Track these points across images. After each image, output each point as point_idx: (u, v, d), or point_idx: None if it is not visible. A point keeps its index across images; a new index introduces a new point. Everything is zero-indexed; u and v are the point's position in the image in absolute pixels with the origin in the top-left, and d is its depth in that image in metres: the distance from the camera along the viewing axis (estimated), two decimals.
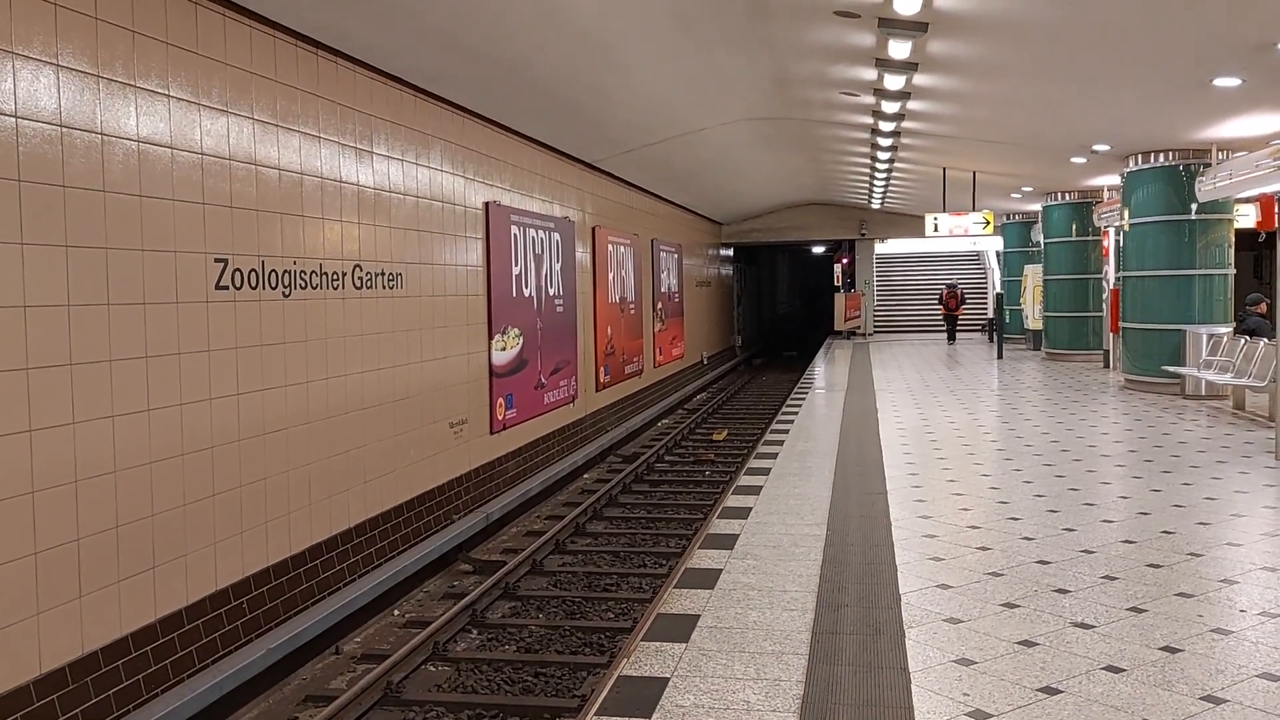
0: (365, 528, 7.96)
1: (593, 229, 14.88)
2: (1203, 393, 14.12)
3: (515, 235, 11.30)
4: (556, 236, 12.83)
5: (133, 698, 5.40)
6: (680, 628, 5.08)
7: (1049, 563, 6.12)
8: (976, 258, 34.22)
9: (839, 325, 29.04)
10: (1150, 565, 6.03)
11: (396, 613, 8.08)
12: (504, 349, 10.92)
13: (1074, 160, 15.91)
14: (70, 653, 5.06)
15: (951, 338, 28.33)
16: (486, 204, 10.53)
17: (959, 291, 28.81)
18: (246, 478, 6.51)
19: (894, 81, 10.29)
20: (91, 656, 5.18)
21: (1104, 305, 19.72)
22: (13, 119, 4.78)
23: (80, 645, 5.13)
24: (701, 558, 6.36)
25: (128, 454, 5.47)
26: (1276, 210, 9.82)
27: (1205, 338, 14.16)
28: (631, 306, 17.29)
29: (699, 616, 5.24)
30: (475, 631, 7.63)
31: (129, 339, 5.49)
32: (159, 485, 5.71)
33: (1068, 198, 21.02)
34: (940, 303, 29.24)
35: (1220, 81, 9.77)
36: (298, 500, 7.09)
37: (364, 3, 7.01)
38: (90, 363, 5.21)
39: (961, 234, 20.09)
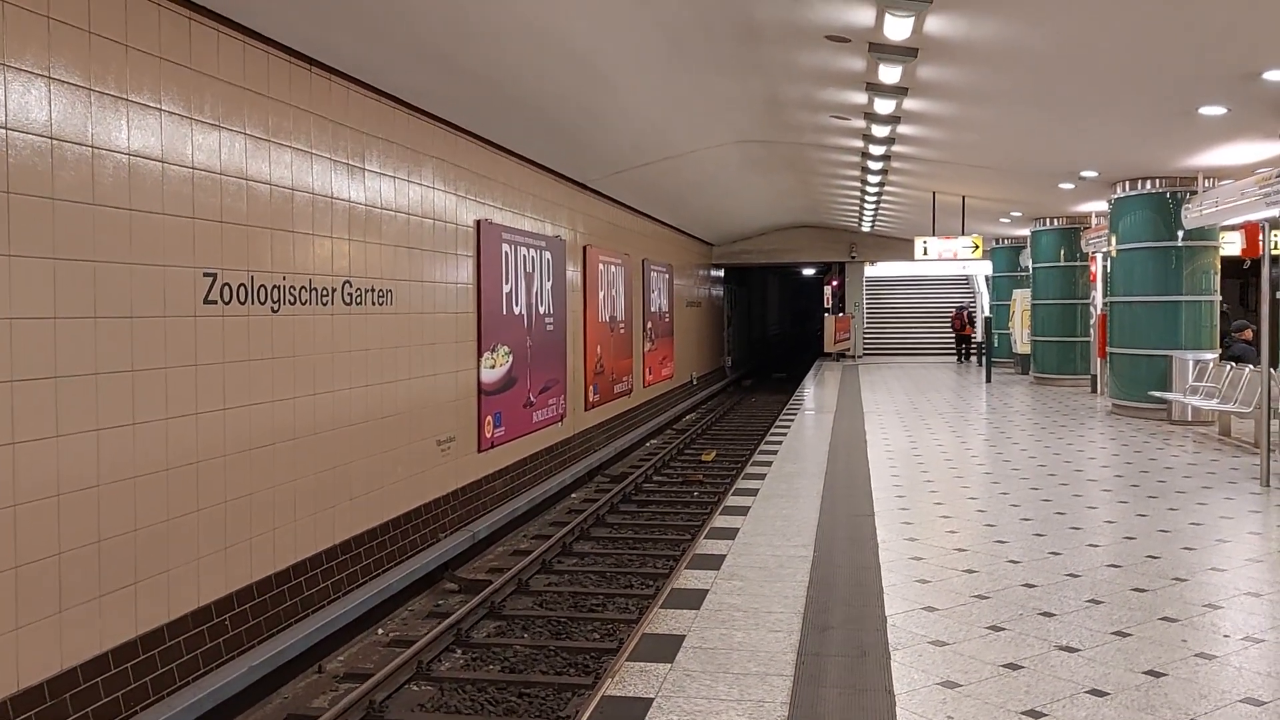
0: (350, 545, 7.92)
1: (584, 248, 14.91)
2: (1189, 418, 14.19)
3: (506, 253, 11.32)
4: (548, 255, 12.85)
5: (111, 715, 5.34)
6: (665, 648, 5.07)
7: (1035, 586, 6.12)
8: (966, 282, 34.36)
9: (829, 347, 29.11)
10: (1135, 589, 6.04)
11: (381, 631, 8.03)
12: (493, 367, 10.92)
13: (1062, 186, 16.03)
14: (49, 669, 5.01)
15: (963, 358, 28.74)
16: (478, 222, 10.54)
17: (966, 314, 29.14)
18: (232, 493, 6.48)
19: (884, 106, 10.37)
20: (70, 673, 5.13)
21: (1091, 330, 19.82)
22: (3, 130, 4.78)
23: (60, 661, 5.08)
24: (688, 578, 6.35)
25: (112, 468, 5.44)
26: (1261, 238, 9.90)
27: (1191, 363, 14.24)
28: (622, 326, 17.31)
29: (684, 637, 5.23)
30: (460, 651, 7.59)
31: (115, 352, 5.47)
32: (143, 500, 5.67)
33: (1056, 223, 21.17)
34: (951, 324, 29.72)
35: (1206, 110, 9.87)
36: (283, 516, 7.06)
37: (358, 20, 7.05)
38: (76, 376, 5.19)
39: (951, 258, 20.16)
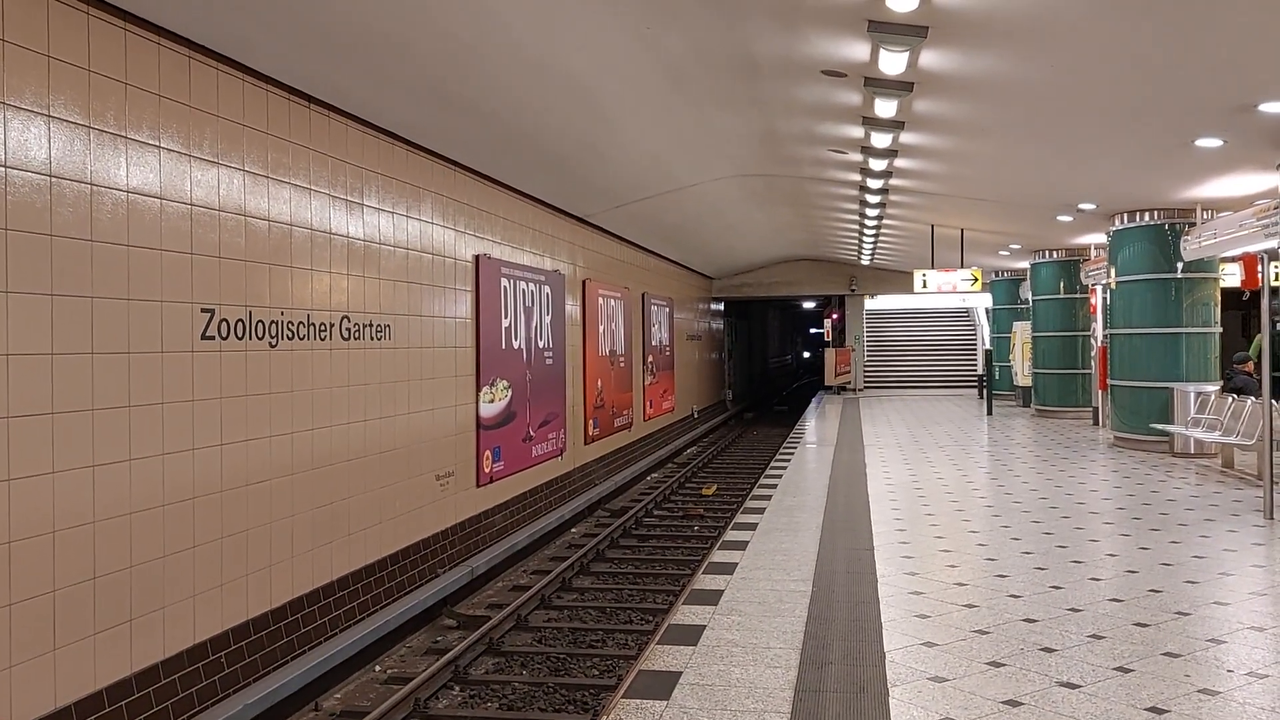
0: (348, 581, 7.87)
1: (583, 282, 14.95)
2: (1191, 450, 14.13)
3: (505, 288, 11.35)
4: (547, 289, 12.88)
5: None
6: (662, 685, 5.02)
7: (1036, 621, 6.07)
8: (966, 314, 34.41)
9: (829, 380, 29.10)
10: (1137, 624, 5.98)
11: (378, 668, 7.96)
12: (492, 401, 10.90)
13: (1060, 219, 16.08)
14: (42, 708, 4.97)
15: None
16: (477, 257, 10.58)
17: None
18: (228, 529, 6.45)
19: (881, 139, 10.43)
20: (64, 711, 5.08)
21: (1092, 362, 19.81)
22: (2, 168, 4.81)
23: (53, 700, 5.04)
24: (686, 613, 6.30)
25: (107, 504, 5.42)
26: (1260, 269, 9.90)
27: (1193, 396, 14.20)
28: (622, 359, 17.31)
29: (681, 674, 5.18)
30: (458, 688, 7.52)
31: (112, 388, 5.46)
32: (138, 536, 5.65)
33: (1055, 255, 21.23)
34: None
35: (1202, 142, 9.92)
36: (280, 552, 7.02)
37: (358, 58, 7.11)
38: (72, 412, 5.19)
39: (950, 290, 20.21)
